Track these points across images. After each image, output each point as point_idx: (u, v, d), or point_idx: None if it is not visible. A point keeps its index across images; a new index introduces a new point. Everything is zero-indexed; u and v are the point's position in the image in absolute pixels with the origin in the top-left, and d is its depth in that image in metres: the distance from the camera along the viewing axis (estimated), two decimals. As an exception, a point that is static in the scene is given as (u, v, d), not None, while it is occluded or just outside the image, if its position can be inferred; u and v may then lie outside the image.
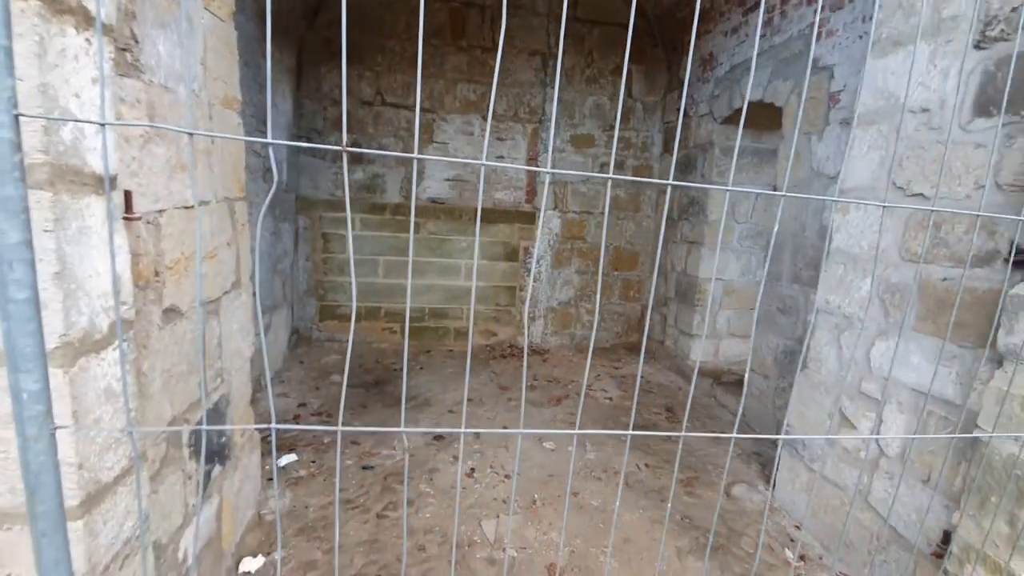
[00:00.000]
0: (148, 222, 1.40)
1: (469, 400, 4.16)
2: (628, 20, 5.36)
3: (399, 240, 5.32)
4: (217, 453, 1.92)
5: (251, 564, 2.10)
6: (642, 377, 4.99)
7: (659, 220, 5.69)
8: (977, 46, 1.93)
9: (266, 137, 3.61)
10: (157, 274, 1.46)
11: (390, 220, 5.29)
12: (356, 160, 5.19)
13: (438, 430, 0.87)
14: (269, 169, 3.96)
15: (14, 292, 0.79)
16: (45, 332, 0.87)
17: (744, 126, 4.36)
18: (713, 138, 4.66)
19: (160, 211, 1.46)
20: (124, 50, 1.29)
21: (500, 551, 2.36)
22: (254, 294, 2.50)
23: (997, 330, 1.73)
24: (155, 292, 1.45)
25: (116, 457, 1.22)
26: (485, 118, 5.34)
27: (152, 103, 1.40)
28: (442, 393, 4.23)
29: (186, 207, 1.60)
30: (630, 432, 0.96)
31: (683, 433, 0.97)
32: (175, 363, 1.57)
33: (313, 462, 2.99)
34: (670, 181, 0.86)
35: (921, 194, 2.14)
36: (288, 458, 2.99)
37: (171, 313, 1.54)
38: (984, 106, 1.91)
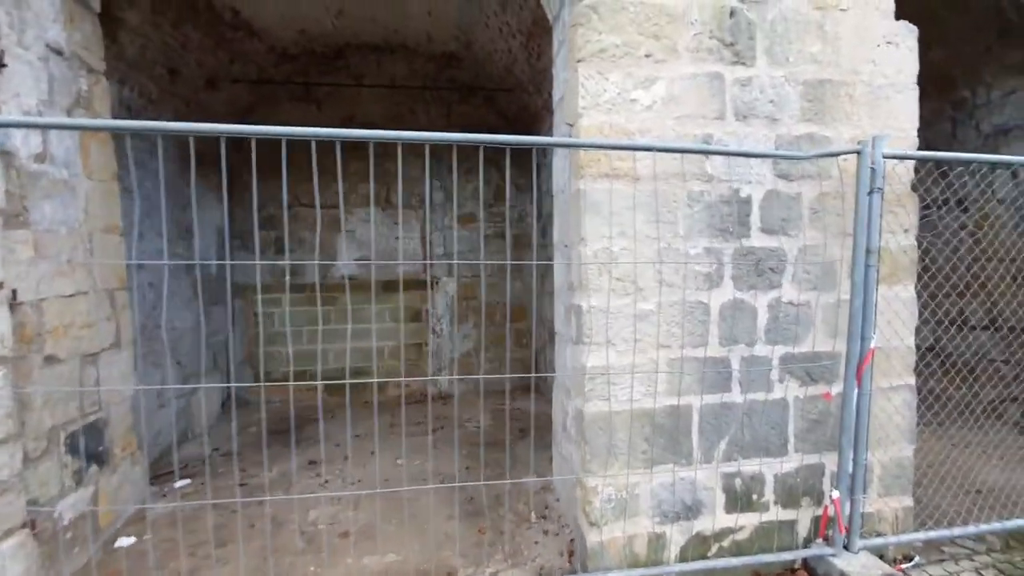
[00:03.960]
0: (32, 305, 2.48)
1: (361, 436, 5.07)
2: (494, 125, 6.68)
3: (321, 313, 6.40)
4: (95, 456, 2.89)
5: (124, 542, 3.00)
6: (518, 408, 5.87)
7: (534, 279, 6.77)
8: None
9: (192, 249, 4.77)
10: (39, 335, 2.51)
11: (311, 297, 6.41)
12: (279, 250, 6.38)
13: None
14: (191, 267, 5.11)
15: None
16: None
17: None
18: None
19: (42, 299, 2.54)
20: (16, 215, 2.42)
21: (313, 527, 3.24)
22: (143, 354, 3.54)
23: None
24: (38, 345, 2.50)
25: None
26: (382, 209, 6.58)
27: (38, 241, 2.52)
28: (338, 433, 5.14)
29: (66, 296, 2.69)
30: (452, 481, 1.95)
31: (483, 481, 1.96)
32: (54, 391, 2.59)
33: (203, 483, 3.90)
34: (507, 261, 1.92)
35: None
36: (183, 483, 3.91)
37: (51, 359, 2.58)
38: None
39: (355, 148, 6.68)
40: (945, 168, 3.24)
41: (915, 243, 2.78)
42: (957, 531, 2.76)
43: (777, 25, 2.60)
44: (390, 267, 6.59)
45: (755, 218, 2.61)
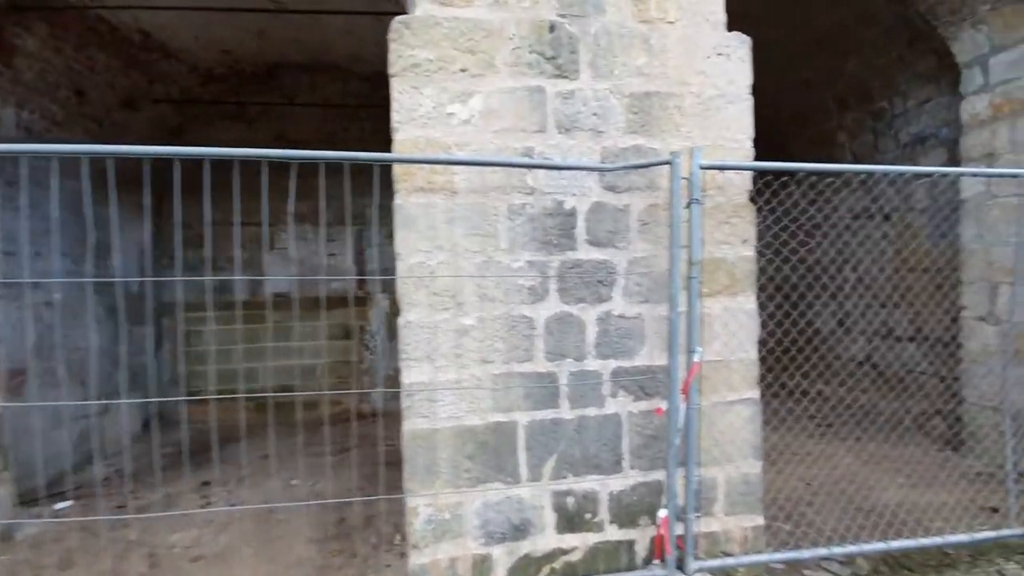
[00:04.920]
0: None
1: (269, 456, 5.01)
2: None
3: (248, 331, 6.38)
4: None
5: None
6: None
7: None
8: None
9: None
10: None
11: (239, 314, 6.39)
12: (209, 268, 6.38)
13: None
14: (104, 285, 5.11)
15: None
16: None
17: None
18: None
19: None
20: None
21: (168, 550, 3.18)
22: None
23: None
24: None
25: None
26: (316, 225, 6.59)
27: None
28: (251, 452, 5.07)
29: None
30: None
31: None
32: None
33: (84, 505, 3.84)
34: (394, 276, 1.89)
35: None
36: (64, 504, 3.85)
37: None
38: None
39: (286, 167, 6.65)
40: (812, 178, 3.20)
41: (754, 254, 2.74)
42: (806, 553, 2.67)
43: (600, 39, 2.60)
44: (320, 284, 6.57)
45: (581, 230, 2.58)
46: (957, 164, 4.47)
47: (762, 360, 5.29)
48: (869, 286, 6.01)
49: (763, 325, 6.50)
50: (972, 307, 4.32)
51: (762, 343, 5.68)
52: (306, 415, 6.45)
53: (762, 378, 5.12)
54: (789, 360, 6.13)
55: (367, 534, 3.34)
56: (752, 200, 2.75)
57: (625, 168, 2.47)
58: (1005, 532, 2.77)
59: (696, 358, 2.45)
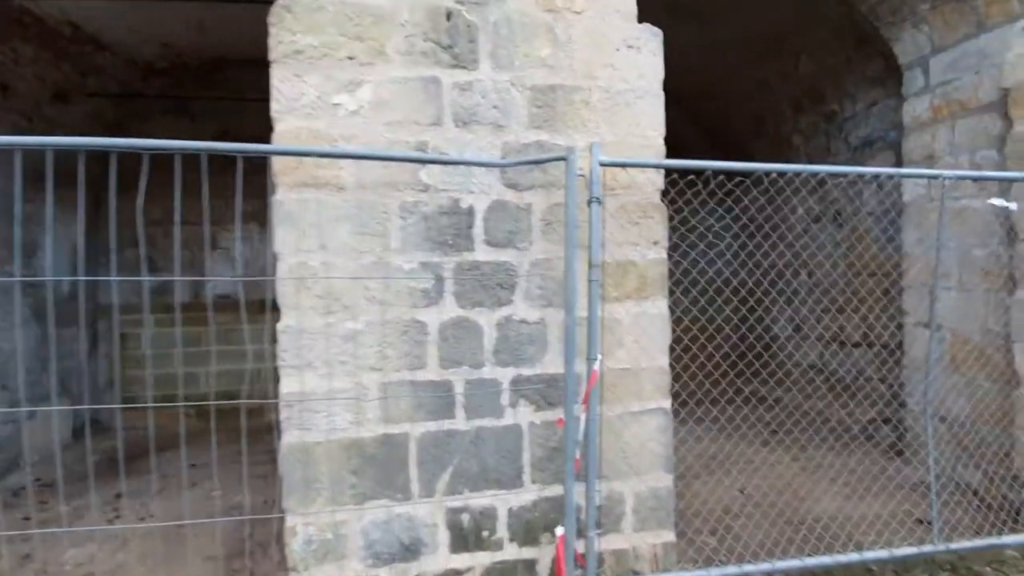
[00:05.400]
0: None
1: (198, 466, 4.80)
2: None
3: (189, 334, 6.15)
4: None
5: None
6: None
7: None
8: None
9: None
10: None
11: (180, 317, 6.16)
12: (147, 269, 6.15)
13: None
14: (29, 285, 4.88)
15: None
16: None
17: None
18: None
19: None
20: None
21: (60, 568, 2.99)
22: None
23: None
24: None
25: None
26: (262, 224, 6.37)
27: None
28: (189, 460, 4.85)
29: None
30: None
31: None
32: None
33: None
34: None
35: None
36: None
37: None
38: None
39: (232, 164, 6.46)
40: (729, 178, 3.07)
41: (665, 256, 2.62)
42: (715, 571, 2.53)
43: (501, 28, 2.46)
44: (266, 286, 6.35)
45: (479, 230, 2.43)
46: (902, 167, 4.40)
47: (716, 366, 5.25)
48: (823, 291, 5.95)
49: (719, 330, 6.41)
50: (913, 312, 4.24)
51: (717, 348, 5.59)
52: (251, 422, 6.22)
53: (717, 383, 5.06)
54: (746, 365, 6.07)
55: (273, 551, 3.16)
56: (672, 201, 2.63)
57: (517, 164, 2.33)
58: (927, 548, 2.66)
59: (596, 366, 2.31)
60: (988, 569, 2.82)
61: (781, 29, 5.36)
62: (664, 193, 2.67)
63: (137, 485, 4.31)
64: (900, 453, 4.55)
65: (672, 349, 6.31)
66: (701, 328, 6.28)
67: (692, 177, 2.45)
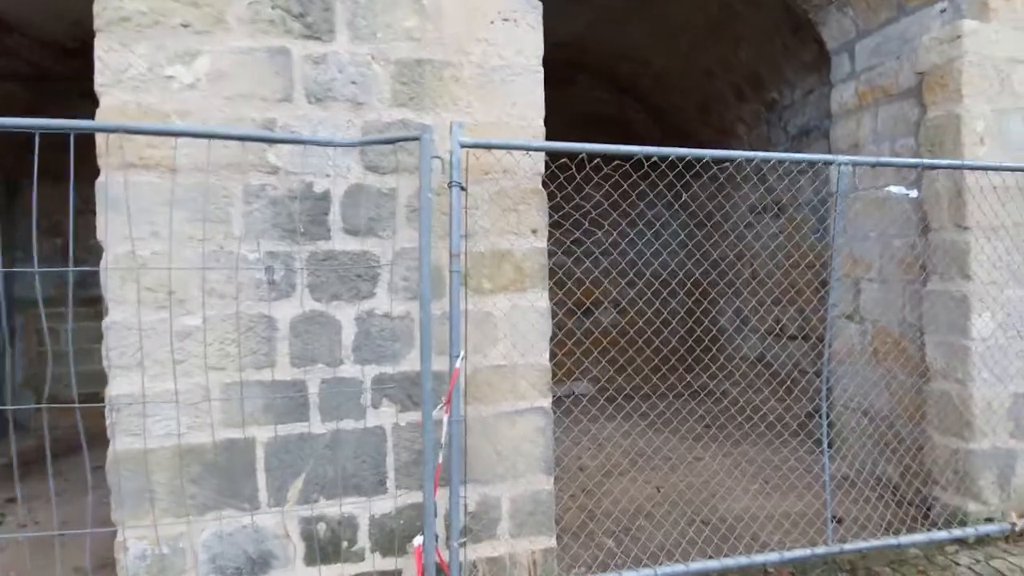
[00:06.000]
0: None
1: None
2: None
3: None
4: None
5: None
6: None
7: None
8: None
9: None
10: None
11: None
12: (66, 259, 5.84)
13: None
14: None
15: None
16: None
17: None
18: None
19: None
20: None
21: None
22: None
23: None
24: None
25: None
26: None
27: None
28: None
29: None
30: None
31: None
32: None
33: None
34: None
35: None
36: None
37: None
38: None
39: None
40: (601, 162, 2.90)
41: (545, 246, 2.45)
42: (596, 576, 2.40)
43: (360, -5, 2.26)
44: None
45: (336, 217, 2.24)
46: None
47: (665, 359, 5.12)
48: (761, 283, 5.87)
49: (665, 323, 6.30)
50: (839, 304, 4.15)
51: (664, 342, 5.45)
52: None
53: (664, 377, 4.93)
54: (695, 360, 5.95)
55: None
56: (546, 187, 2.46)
57: (362, 143, 2.14)
58: (820, 550, 2.55)
59: (458, 364, 2.15)
60: (887, 569, 2.73)
61: (721, 15, 5.21)
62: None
63: (38, 490, 4.07)
64: (831, 447, 4.48)
65: (616, 342, 6.15)
66: (647, 321, 6.18)
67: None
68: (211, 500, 2.15)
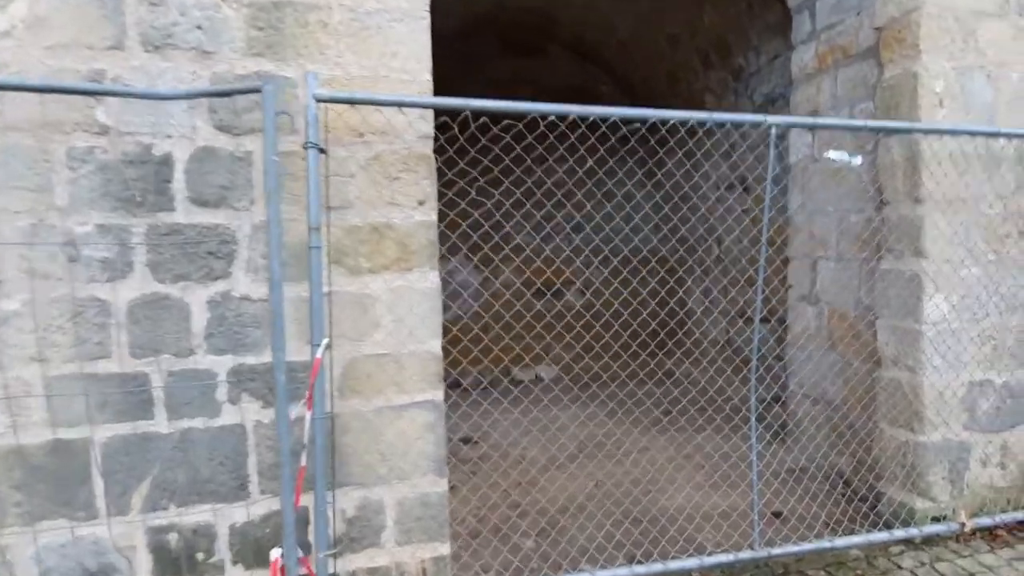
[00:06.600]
0: None
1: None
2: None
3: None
4: None
5: None
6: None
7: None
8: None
9: None
10: None
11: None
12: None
13: None
14: None
15: None
16: None
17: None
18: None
19: None
20: None
21: None
22: None
23: None
24: None
25: None
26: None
27: None
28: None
29: None
30: None
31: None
32: None
33: None
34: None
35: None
36: None
37: None
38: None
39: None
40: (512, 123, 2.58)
41: (435, 219, 2.16)
42: (491, 587, 2.16)
43: (205, -76, 1.93)
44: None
45: (180, 185, 1.94)
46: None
47: (634, 337, 4.87)
48: (731, 262, 5.60)
49: (626, 304, 6.00)
50: (797, 285, 3.89)
51: (625, 326, 5.19)
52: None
53: (633, 358, 4.68)
54: (658, 344, 5.70)
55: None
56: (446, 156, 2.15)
57: (191, 95, 1.84)
58: (744, 555, 2.31)
59: (319, 353, 1.88)
60: (822, 573, 2.50)
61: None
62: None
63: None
64: (782, 437, 4.26)
65: (582, 323, 5.82)
66: (605, 303, 5.91)
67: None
68: (40, 509, 1.89)
